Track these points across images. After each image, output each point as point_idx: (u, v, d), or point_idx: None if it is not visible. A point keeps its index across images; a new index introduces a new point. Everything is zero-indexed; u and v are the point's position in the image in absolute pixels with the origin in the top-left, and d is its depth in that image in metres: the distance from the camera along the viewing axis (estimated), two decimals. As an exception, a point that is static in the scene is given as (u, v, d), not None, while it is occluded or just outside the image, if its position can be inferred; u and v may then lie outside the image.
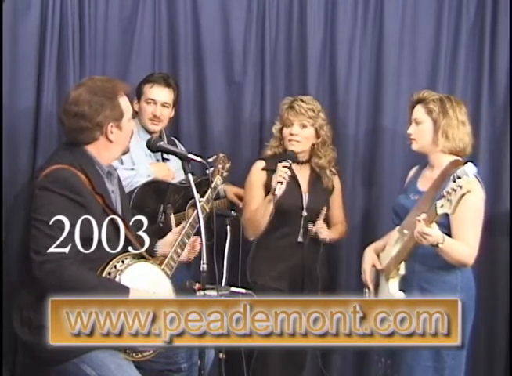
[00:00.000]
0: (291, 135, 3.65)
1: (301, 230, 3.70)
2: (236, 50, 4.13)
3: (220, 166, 3.69)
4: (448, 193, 2.95)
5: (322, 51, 4.17)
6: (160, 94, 3.72)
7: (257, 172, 3.71)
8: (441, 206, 2.98)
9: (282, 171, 3.52)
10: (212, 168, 3.59)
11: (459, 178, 2.92)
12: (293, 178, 3.68)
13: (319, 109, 3.70)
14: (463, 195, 2.91)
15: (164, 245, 3.08)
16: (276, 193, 3.50)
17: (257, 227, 3.62)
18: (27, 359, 3.14)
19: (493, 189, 3.90)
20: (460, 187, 2.91)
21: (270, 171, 3.65)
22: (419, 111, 3.38)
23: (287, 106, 3.68)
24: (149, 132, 3.70)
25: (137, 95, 3.73)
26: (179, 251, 3.09)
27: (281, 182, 3.51)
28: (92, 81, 2.94)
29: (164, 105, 3.73)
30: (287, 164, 3.55)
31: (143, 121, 3.72)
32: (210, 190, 3.41)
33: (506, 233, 4.02)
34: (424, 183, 3.38)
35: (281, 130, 3.71)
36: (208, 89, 4.10)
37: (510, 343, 4.03)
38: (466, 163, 3.15)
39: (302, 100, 3.68)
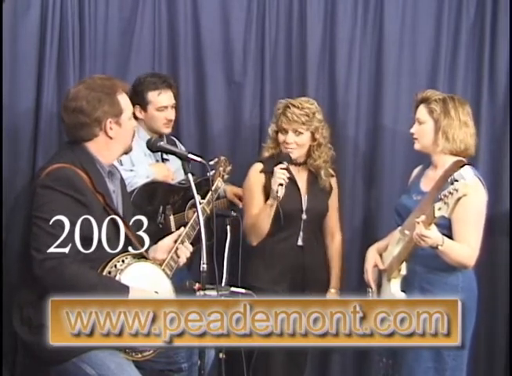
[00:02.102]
0: (286, 143, 3.62)
1: (301, 233, 3.68)
2: (236, 50, 4.12)
3: (221, 169, 3.69)
4: (445, 195, 2.95)
5: (322, 51, 4.17)
6: (169, 98, 3.74)
7: (256, 175, 3.68)
8: (439, 209, 2.98)
9: (280, 173, 3.49)
10: (213, 171, 3.59)
11: (457, 181, 2.92)
12: (292, 181, 3.65)
13: (314, 110, 3.64)
14: (459, 198, 2.91)
15: (155, 251, 3.05)
16: (279, 194, 3.47)
17: (259, 232, 3.59)
18: (27, 359, 3.14)
19: (493, 189, 3.88)
20: (456, 191, 2.90)
21: (269, 173, 3.61)
22: (421, 111, 3.37)
23: (280, 112, 3.62)
24: (160, 135, 3.72)
25: (139, 102, 3.69)
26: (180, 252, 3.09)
27: (281, 185, 3.48)
28: (92, 79, 2.97)
29: (172, 107, 3.77)
30: (284, 166, 3.52)
31: (157, 127, 3.73)
32: (210, 193, 3.40)
33: (506, 233, 4.02)
34: (427, 184, 3.37)
35: (276, 132, 3.67)
36: (208, 89, 4.10)
37: (510, 343, 4.02)
38: (463, 165, 3.15)
39: (295, 105, 3.60)
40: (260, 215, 3.57)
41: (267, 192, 3.61)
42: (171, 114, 3.76)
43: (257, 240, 3.62)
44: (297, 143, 3.62)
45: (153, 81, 3.72)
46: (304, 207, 3.68)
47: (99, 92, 2.88)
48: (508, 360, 4.03)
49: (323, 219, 3.79)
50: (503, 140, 4.16)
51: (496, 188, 4.05)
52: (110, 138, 2.92)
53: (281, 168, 3.51)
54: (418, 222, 3.04)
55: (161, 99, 3.72)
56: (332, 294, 3.75)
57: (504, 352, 4.09)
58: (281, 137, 3.65)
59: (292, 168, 3.66)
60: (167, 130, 3.77)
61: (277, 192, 3.47)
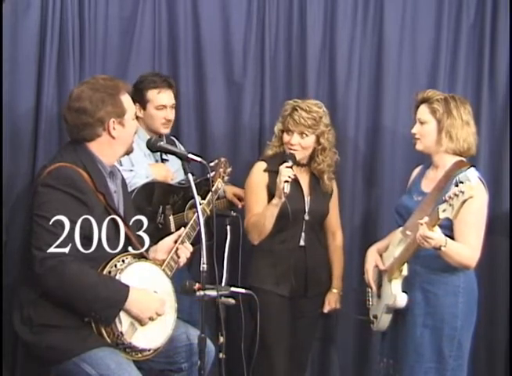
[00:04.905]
0: (291, 144, 3.60)
1: (303, 234, 3.66)
2: (236, 50, 4.12)
3: (221, 170, 3.67)
4: (450, 197, 2.94)
5: (322, 51, 4.17)
6: (168, 98, 3.74)
7: (259, 174, 3.66)
8: (444, 210, 2.96)
9: (286, 171, 3.45)
10: (213, 172, 3.58)
11: (462, 183, 2.90)
12: (295, 181, 3.61)
13: (322, 114, 3.62)
14: (464, 201, 2.90)
15: (155, 251, 3.05)
16: (286, 190, 3.42)
17: (262, 231, 3.56)
18: (27, 359, 3.14)
19: (493, 189, 3.88)
20: (462, 193, 2.89)
21: (272, 172, 3.59)
22: (423, 111, 3.35)
23: (288, 113, 3.60)
24: (159, 135, 3.71)
25: (139, 101, 3.68)
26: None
27: (287, 181, 3.43)
28: (95, 79, 2.98)
29: (171, 107, 3.76)
30: (289, 165, 3.50)
31: (155, 126, 3.71)
32: (211, 193, 3.40)
33: (506, 233, 4.02)
34: (428, 184, 3.36)
35: (282, 132, 3.65)
36: (208, 89, 4.09)
37: (510, 343, 4.02)
38: (469, 167, 3.14)
39: (303, 109, 3.58)
40: (264, 214, 3.54)
41: (270, 191, 3.59)
42: (169, 114, 3.75)
43: (258, 238, 3.59)
44: (301, 145, 3.61)
45: (154, 80, 3.72)
46: (307, 209, 3.67)
47: (103, 93, 2.89)
48: (508, 360, 4.03)
49: (324, 220, 3.78)
50: (503, 140, 4.17)
51: (496, 188, 4.06)
52: (113, 138, 2.93)
53: (286, 167, 3.48)
54: (421, 224, 3.03)
55: (161, 97, 3.71)
56: (334, 294, 3.75)
57: (504, 353, 4.09)
58: (286, 137, 3.63)
59: (295, 168, 3.62)
60: (165, 130, 3.75)
61: (283, 189, 3.42)
